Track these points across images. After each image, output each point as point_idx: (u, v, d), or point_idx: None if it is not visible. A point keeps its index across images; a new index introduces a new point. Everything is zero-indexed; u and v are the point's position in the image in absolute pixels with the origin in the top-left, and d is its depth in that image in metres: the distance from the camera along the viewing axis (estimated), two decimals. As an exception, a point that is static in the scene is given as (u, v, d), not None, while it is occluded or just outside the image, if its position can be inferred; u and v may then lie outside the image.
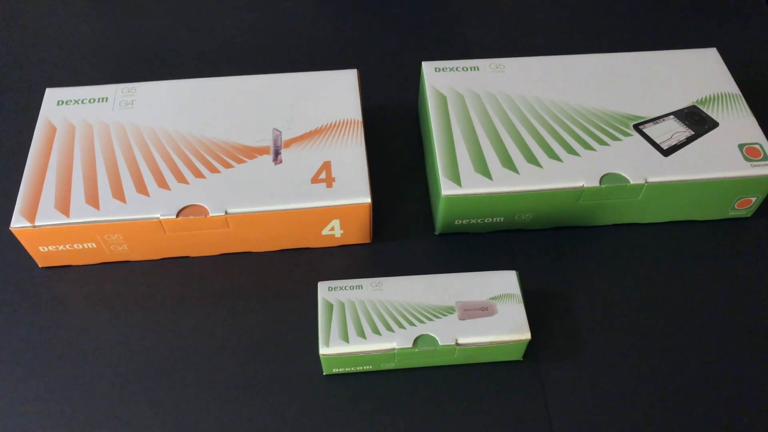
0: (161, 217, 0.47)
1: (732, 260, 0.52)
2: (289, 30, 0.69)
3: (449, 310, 0.45)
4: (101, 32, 0.68)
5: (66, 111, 0.53)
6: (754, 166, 0.50)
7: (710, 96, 0.54)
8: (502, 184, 0.49)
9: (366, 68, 0.65)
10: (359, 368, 0.45)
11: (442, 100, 0.53)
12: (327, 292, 0.46)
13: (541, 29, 0.69)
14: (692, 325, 0.49)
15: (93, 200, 0.48)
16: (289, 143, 0.51)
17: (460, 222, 0.52)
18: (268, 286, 0.51)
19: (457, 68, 0.56)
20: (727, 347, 0.48)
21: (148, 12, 0.70)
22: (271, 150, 0.51)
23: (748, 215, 0.54)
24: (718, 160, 0.50)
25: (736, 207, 0.53)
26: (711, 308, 0.50)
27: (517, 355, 0.46)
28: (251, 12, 0.70)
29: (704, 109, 0.53)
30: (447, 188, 0.49)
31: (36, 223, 0.47)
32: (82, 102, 0.54)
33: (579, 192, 0.49)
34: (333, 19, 0.70)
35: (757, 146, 0.51)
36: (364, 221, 0.50)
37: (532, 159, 0.50)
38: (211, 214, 0.48)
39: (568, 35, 0.68)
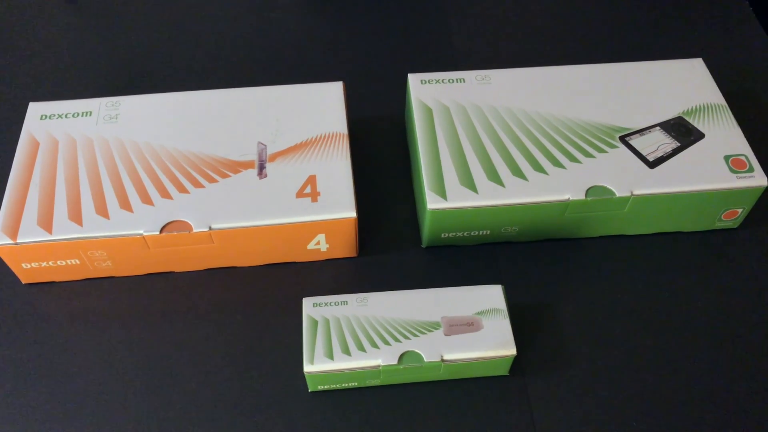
0: (145, 234, 0.47)
1: (719, 271, 0.52)
2: (274, 43, 0.68)
3: (435, 326, 0.44)
4: (85, 46, 0.68)
5: (49, 125, 0.53)
6: (740, 177, 0.50)
7: (696, 107, 0.54)
8: (488, 197, 0.49)
9: (352, 80, 0.65)
10: (344, 385, 0.45)
11: (428, 112, 0.53)
12: (312, 308, 0.45)
13: (528, 40, 0.69)
14: (680, 337, 0.49)
15: (76, 216, 0.48)
16: (274, 157, 0.51)
17: (447, 235, 0.51)
18: (254, 302, 0.50)
19: (443, 80, 0.55)
20: (715, 359, 0.48)
21: (132, 25, 0.70)
22: (256, 164, 0.51)
23: (735, 226, 0.54)
24: (704, 171, 0.50)
25: (722, 218, 0.53)
26: (698, 320, 0.50)
27: (503, 371, 0.46)
28: (236, 25, 0.70)
29: (690, 120, 0.53)
30: (433, 202, 0.48)
31: (18, 240, 0.47)
32: (66, 116, 0.53)
33: (565, 205, 0.49)
34: (319, 32, 0.69)
35: (742, 158, 0.51)
36: (350, 235, 0.50)
37: (517, 172, 0.50)
38: (195, 230, 0.47)
39: (554, 46, 0.68)
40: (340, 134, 0.52)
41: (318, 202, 0.49)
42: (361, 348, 0.43)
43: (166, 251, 0.49)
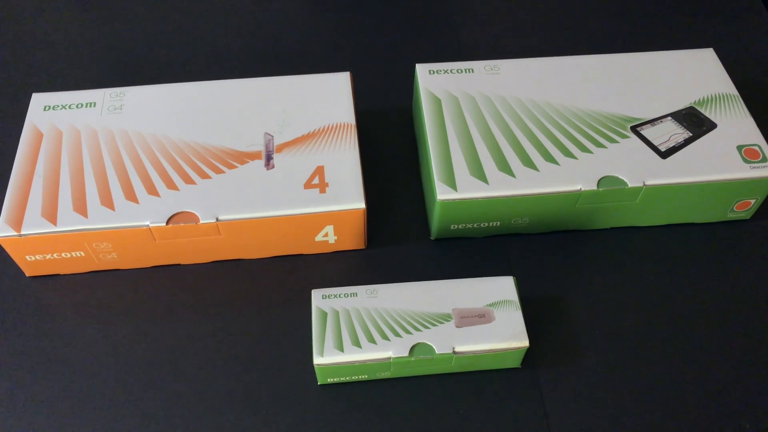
0: (151, 225, 0.46)
1: (731, 263, 0.52)
2: (280, 32, 0.68)
3: (446, 318, 0.44)
4: (89, 36, 0.67)
5: (53, 116, 0.52)
6: (753, 167, 0.49)
7: (708, 97, 0.53)
8: (499, 188, 0.48)
9: (359, 71, 0.64)
10: (354, 377, 0.45)
11: (437, 102, 0.53)
12: (321, 300, 0.45)
13: (537, 30, 0.68)
14: (692, 329, 0.48)
15: (81, 208, 0.47)
16: (281, 148, 0.50)
17: (456, 227, 0.51)
18: (261, 294, 0.50)
19: (451, 70, 0.55)
20: (728, 351, 0.47)
21: (136, 15, 0.69)
22: (263, 155, 0.50)
23: (747, 217, 0.54)
24: (717, 162, 0.49)
25: (735, 209, 0.52)
26: (711, 312, 0.49)
27: (515, 363, 0.45)
28: (242, 14, 0.69)
29: (702, 111, 0.52)
30: (442, 193, 0.48)
31: (22, 232, 0.46)
32: (70, 107, 0.53)
33: (576, 195, 0.49)
34: (325, 22, 0.69)
35: (755, 148, 0.50)
36: (358, 227, 0.49)
37: (528, 162, 0.49)
38: (201, 222, 0.47)
39: (563, 36, 0.67)
40: (348, 125, 0.52)
41: (326, 193, 0.48)
42: (372, 340, 0.43)
43: (172, 243, 0.48)
